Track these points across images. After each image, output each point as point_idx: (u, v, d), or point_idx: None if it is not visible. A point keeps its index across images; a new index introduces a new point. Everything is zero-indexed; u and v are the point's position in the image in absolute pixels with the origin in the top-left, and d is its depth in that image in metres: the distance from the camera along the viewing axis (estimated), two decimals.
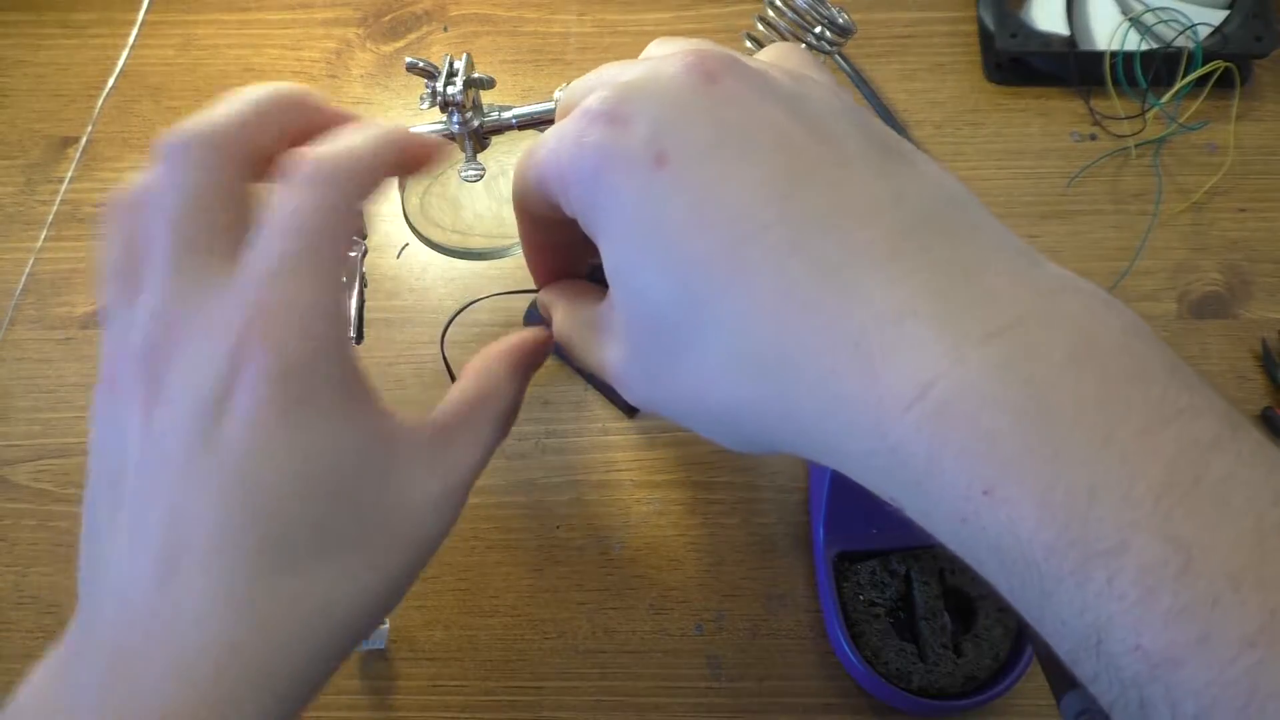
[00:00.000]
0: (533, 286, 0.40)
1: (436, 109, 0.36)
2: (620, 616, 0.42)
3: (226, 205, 0.23)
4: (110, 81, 0.54)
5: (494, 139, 0.38)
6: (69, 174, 0.52)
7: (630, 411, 0.45)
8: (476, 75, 0.36)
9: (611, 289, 0.23)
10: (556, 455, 0.45)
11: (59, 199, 0.52)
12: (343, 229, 0.23)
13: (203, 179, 0.23)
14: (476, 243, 0.43)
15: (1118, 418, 0.17)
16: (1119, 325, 0.18)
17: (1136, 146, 0.51)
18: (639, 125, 0.21)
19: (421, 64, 0.36)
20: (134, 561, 0.21)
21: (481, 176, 0.37)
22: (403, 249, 0.49)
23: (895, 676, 0.38)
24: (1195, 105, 0.51)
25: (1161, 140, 0.51)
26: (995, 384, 0.17)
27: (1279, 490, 0.17)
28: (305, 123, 0.26)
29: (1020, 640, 0.39)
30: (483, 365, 0.29)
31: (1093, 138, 0.52)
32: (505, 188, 0.43)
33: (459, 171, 0.37)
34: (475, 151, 0.37)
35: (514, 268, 0.49)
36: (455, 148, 0.36)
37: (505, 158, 0.42)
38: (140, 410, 0.22)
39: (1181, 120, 0.50)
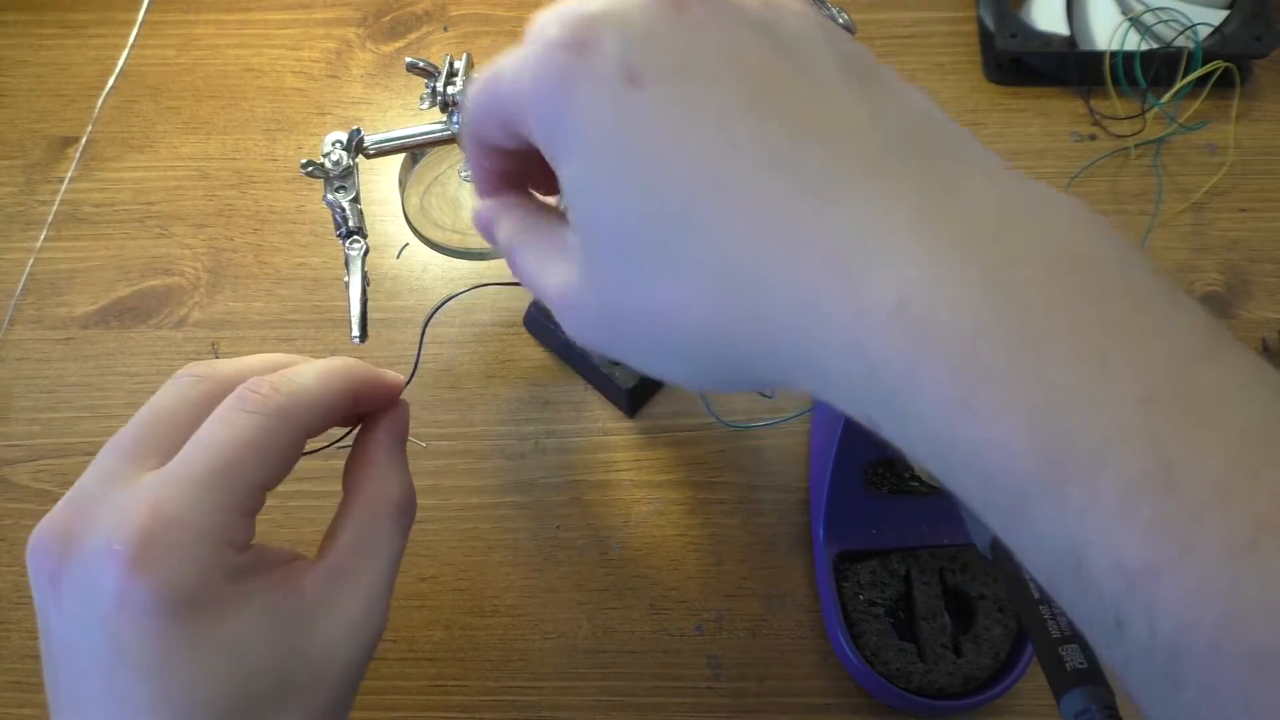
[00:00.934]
0: None
1: (436, 109, 0.36)
2: (620, 616, 0.42)
3: (188, 422, 0.26)
4: (110, 81, 0.54)
5: None
6: (69, 174, 0.52)
7: (631, 411, 0.46)
8: (476, 75, 0.36)
9: (572, 216, 0.23)
10: (556, 455, 0.45)
11: (59, 199, 0.52)
12: (268, 460, 0.26)
13: (180, 397, 0.27)
14: (476, 243, 0.43)
15: (1101, 330, 0.16)
16: (1104, 240, 0.18)
17: (1136, 146, 0.51)
18: (608, 49, 0.20)
19: (422, 64, 0.36)
20: None
21: None
22: (402, 249, 0.49)
23: (895, 676, 0.38)
24: (1195, 105, 0.51)
25: (1161, 140, 0.51)
26: (975, 296, 0.17)
27: (1269, 401, 0.16)
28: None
29: (1020, 640, 0.39)
30: (360, 474, 0.30)
31: (1093, 138, 0.52)
32: None
33: (459, 171, 0.37)
34: None
35: None
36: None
37: None
38: (50, 587, 0.24)
39: (1181, 120, 0.50)
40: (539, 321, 0.46)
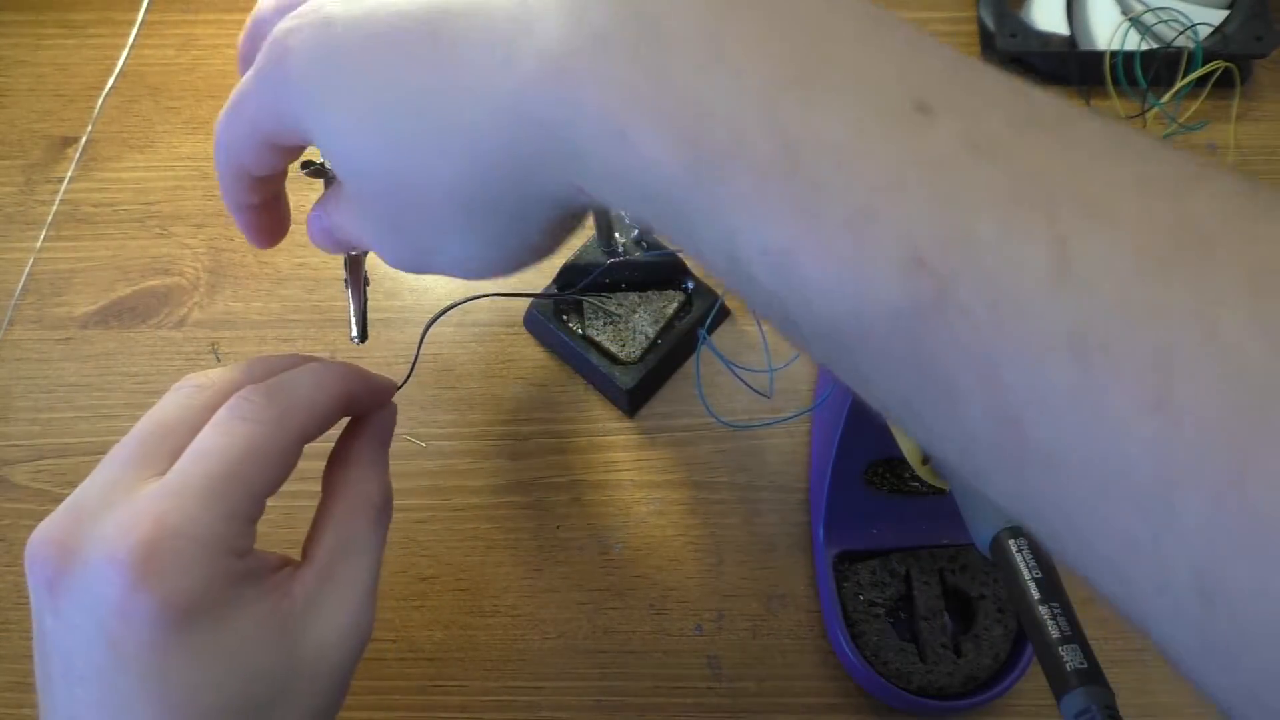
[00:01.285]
0: (528, 291, 0.40)
1: None
2: (620, 616, 0.42)
3: (190, 432, 0.26)
4: (110, 81, 0.54)
5: None
6: (69, 174, 0.52)
7: (631, 410, 0.46)
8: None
9: (333, 170, 0.25)
10: (556, 455, 0.45)
11: (59, 199, 0.52)
12: (267, 467, 0.26)
13: (182, 408, 0.27)
14: None
15: (728, 35, 0.17)
16: None
17: None
18: (308, 13, 0.23)
19: None
20: None
21: None
22: None
23: (895, 676, 0.38)
24: (1195, 105, 0.51)
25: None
26: (615, 31, 0.18)
27: (903, 68, 0.17)
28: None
29: (1020, 640, 0.39)
30: (341, 475, 0.30)
31: None
32: None
33: None
34: None
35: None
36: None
37: None
38: (48, 594, 0.24)
39: (1181, 120, 0.50)
40: (539, 321, 0.46)
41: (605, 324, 0.45)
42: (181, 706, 0.24)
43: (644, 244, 0.45)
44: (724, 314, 0.47)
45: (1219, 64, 0.49)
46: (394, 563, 0.43)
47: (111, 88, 0.54)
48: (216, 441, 0.25)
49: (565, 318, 0.46)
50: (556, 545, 0.44)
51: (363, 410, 0.31)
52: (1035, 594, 0.28)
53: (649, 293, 0.46)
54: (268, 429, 0.26)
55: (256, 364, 0.29)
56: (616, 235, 0.43)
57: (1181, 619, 0.14)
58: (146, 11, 0.56)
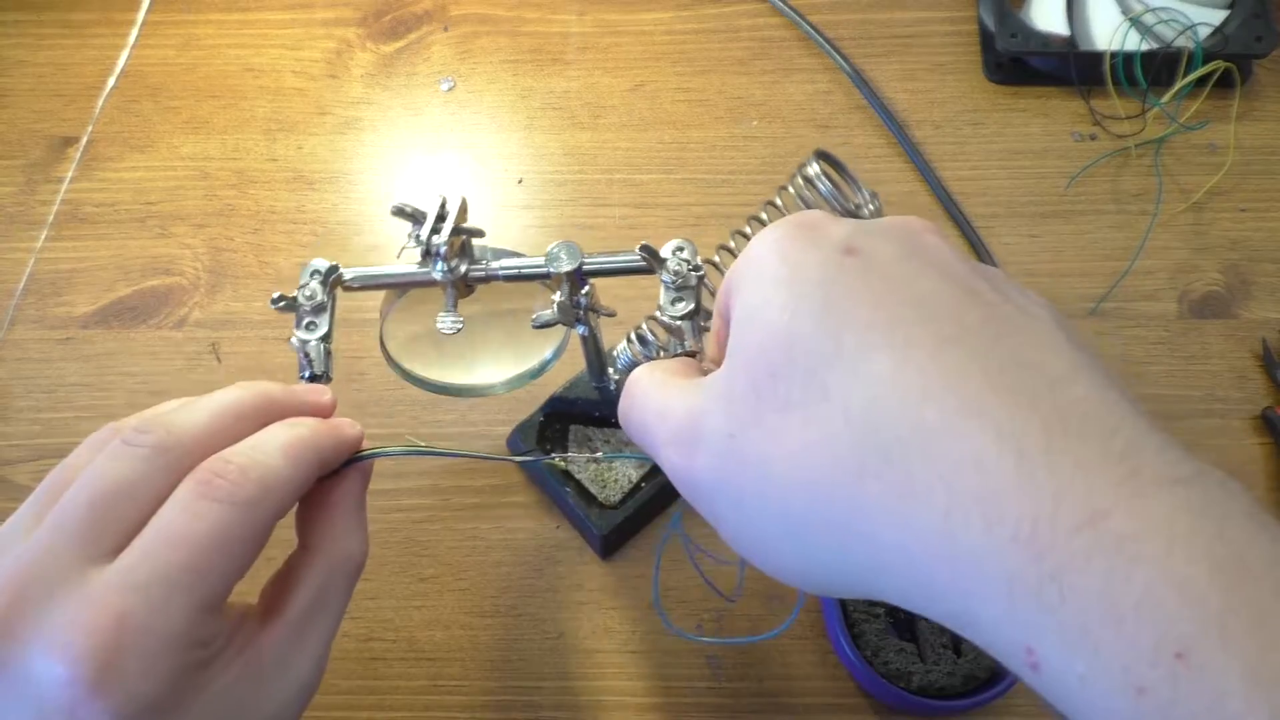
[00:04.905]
0: (497, 454, 0.38)
1: (418, 255, 0.34)
2: (620, 616, 0.42)
3: (147, 502, 0.24)
4: (110, 81, 0.55)
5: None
6: (69, 174, 0.52)
7: (604, 554, 0.43)
8: (466, 226, 0.33)
9: (734, 340, 0.23)
10: None
11: (59, 199, 0.52)
12: (240, 554, 0.24)
13: (139, 471, 0.24)
14: (453, 376, 0.40)
15: None
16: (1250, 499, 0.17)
17: (1137, 146, 0.51)
18: (832, 233, 0.22)
19: (408, 209, 0.32)
20: None
21: (460, 329, 0.34)
22: (401, 250, 0.49)
23: (895, 676, 0.38)
24: (1195, 105, 0.51)
25: (1162, 140, 0.51)
26: (1185, 526, 0.15)
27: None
28: (272, 418, 0.27)
29: None
30: (321, 528, 0.28)
31: (1093, 138, 0.52)
32: (491, 330, 0.40)
33: (436, 322, 0.34)
34: (456, 301, 0.35)
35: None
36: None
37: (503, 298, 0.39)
38: None
39: (1182, 120, 0.50)
40: (519, 448, 0.44)
41: (588, 460, 0.42)
42: None
43: None
44: None
45: (1219, 64, 0.49)
46: (394, 563, 0.43)
47: (112, 88, 0.54)
48: (185, 526, 0.23)
49: (547, 447, 0.43)
50: (556, 545, 0.43)
51: (332, 468, 0.29)
52: None
53: None
54: (242, 513, 0.23)
55: (209, 415, 0.26)
56: (610, 371, 0.40)
57: None
58: (147, 11, 0.56)
